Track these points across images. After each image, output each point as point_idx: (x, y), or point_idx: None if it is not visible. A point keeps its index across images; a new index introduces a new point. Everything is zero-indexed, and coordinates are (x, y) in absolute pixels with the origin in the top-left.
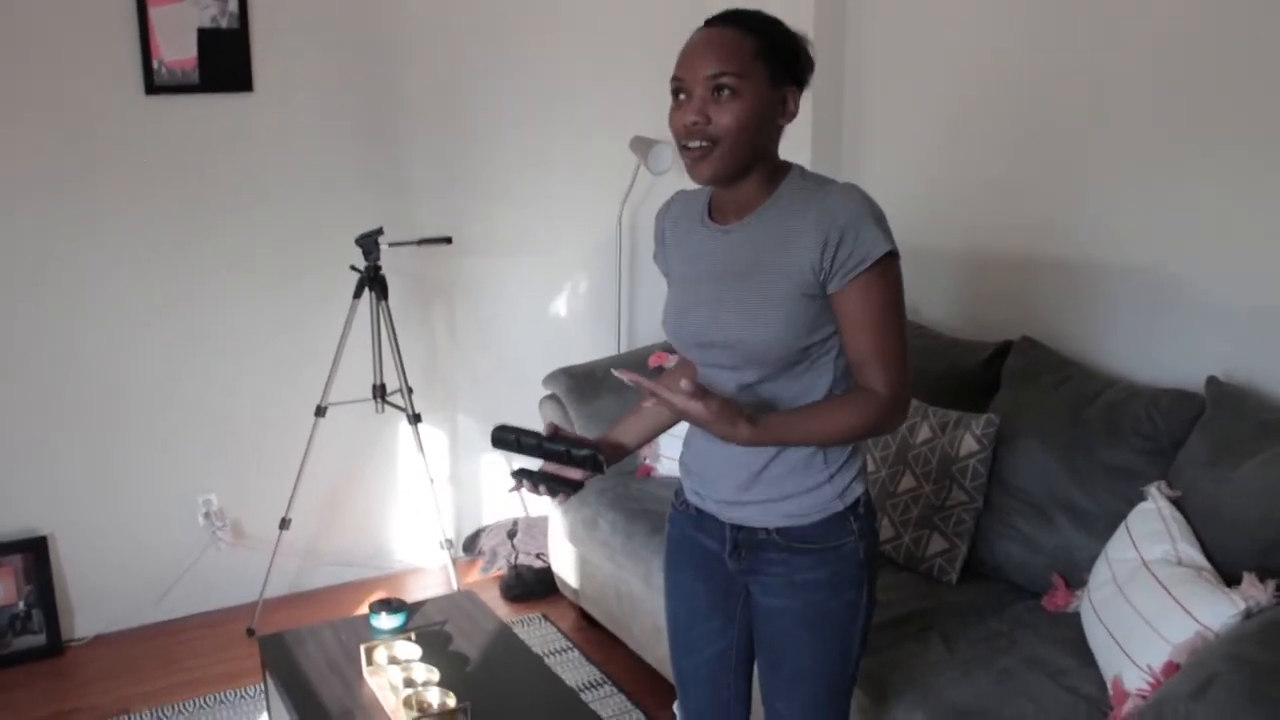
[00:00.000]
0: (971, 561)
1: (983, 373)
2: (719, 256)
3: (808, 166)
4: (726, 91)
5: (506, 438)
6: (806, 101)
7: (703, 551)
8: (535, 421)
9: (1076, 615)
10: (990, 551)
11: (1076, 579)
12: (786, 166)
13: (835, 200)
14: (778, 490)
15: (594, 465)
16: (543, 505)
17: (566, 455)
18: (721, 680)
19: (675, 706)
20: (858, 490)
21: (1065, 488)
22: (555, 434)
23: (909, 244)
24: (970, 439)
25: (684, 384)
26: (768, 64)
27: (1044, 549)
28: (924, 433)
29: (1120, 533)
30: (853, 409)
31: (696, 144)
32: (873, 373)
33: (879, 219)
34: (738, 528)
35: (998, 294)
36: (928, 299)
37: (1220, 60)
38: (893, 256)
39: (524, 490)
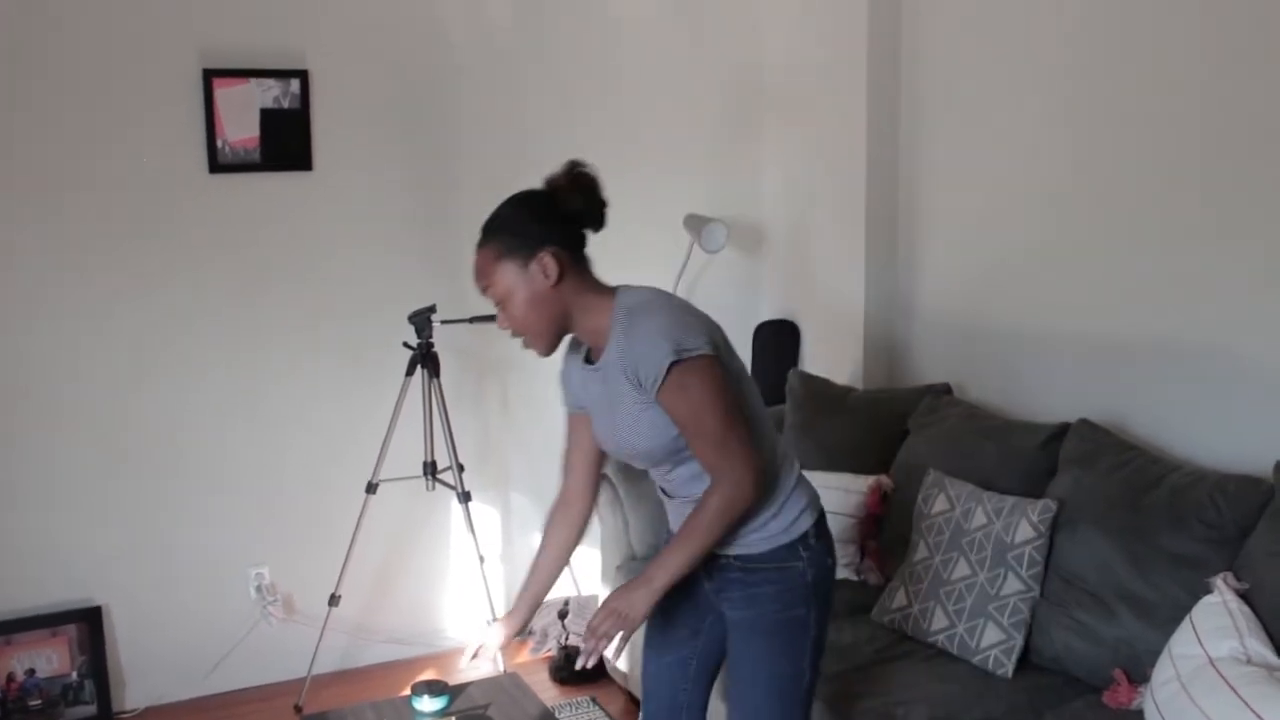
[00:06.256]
0: (1028, 653)
1: (1039, 456)
2: (598, 390)
3: (861, 249)
4: (500, 299)
5: None
6: (859, 187)
7: (690, 576)
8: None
9: (1140, 713)
10: (1048, 643)
11: (1139, 673)
12: (611, 300)
13: (628, 337)
14: (734, 534)
15: None
16: (594, 584)
17: None
18: (679, 684)
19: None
20: (804, 524)
21: (1126, 577)
22: None
23: (962, 325)
24: (1026, 525)
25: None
26: (510, 257)
27: (1105, 641)
28: (978, 518)
29: (1184, 627)
30: (713, 509)
31: (520, 338)
32: (712, 463)
33: (668, 333)
34: (711, 555)
35: (1054, 375)
36: (981, 380)
37: None
38: (683, 363)
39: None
